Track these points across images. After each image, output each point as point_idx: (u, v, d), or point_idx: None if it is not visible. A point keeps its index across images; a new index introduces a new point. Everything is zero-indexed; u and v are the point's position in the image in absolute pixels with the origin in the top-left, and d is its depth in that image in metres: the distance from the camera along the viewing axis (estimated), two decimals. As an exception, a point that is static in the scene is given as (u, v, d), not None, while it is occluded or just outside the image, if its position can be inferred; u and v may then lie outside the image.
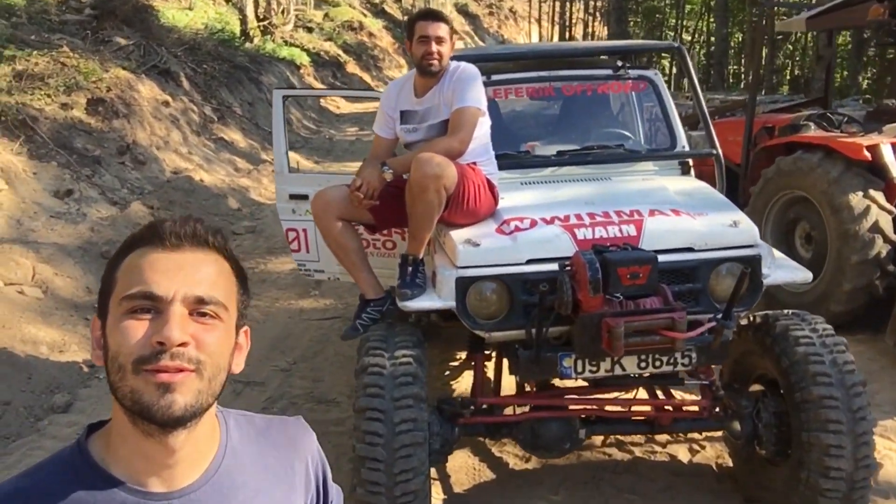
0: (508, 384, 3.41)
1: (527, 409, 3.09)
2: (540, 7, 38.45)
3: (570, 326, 2.78)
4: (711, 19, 34.84)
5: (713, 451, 3.65)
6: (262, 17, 23.46)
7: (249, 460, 1.05)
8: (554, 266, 2.80)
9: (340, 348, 5.22)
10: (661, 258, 2.74)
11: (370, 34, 32.82)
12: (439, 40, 3.15)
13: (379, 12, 39.28)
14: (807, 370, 2.77)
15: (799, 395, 2.78)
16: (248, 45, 19.47)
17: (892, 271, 4.78)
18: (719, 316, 2.73)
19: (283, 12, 24.96)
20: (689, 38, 36.95)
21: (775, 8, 8.26)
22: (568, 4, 35.68)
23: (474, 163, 3.16)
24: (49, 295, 5.69)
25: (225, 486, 1.00)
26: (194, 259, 0.97)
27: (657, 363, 2.76)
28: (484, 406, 3.07)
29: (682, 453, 3.66)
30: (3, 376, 4.51)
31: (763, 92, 21.10)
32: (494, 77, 3.80)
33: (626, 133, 4.02)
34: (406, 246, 3.16)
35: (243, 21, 21.66)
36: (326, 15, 32.25)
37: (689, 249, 2.91)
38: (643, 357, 2.74)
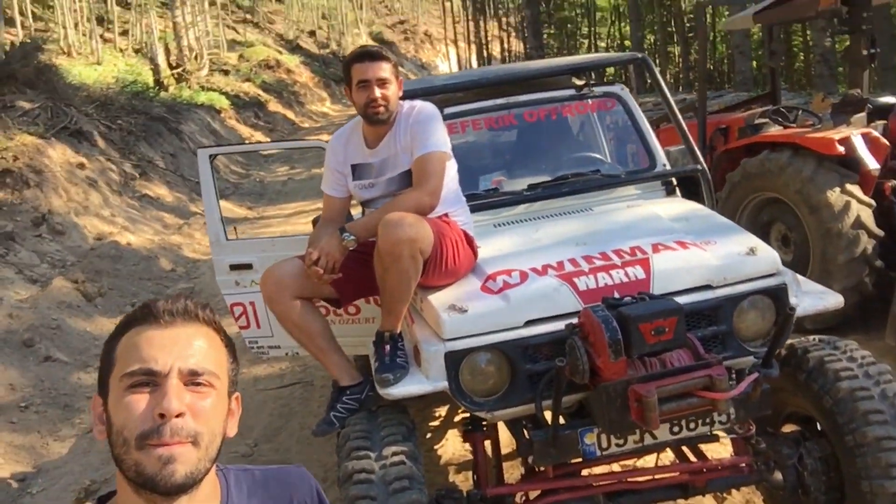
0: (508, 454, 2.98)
1: (541, 492, 2.64)
2: (455, 28, 38.49)
3: (585, 393, 2.37)
4: (624, 24, 35.55)
5: (741, 497, 3.29)
6: (174, 64, 22.73)
7: None
8: (558, 325, 2.39)
9: (305, 420, 4.71)
10: (680, 301, 2.36)
11: (288, 70, 32.28)
12: (382, 82, 2.71)
13: (294, 48, 38.77)
14: (856, 409, 2.43)
15: (851, 439, 2.43)
16: (163, 94, 18.73)
17: (880, 266, 4.56)
18: (758, 363, 2.36)
19: (196, 57, 24.27)
20: (604, 44, 37.52)
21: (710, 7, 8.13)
22: (482, 23, 35.77)
23: (446, 214, 2.73)
24: (-39, 399, 5.00)
25: None
26: (186, 334, 1.05)
27: (692, 426, 2.37)
28: (491, 497, 2.60)
29: (707, 502, 3.29)
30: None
31: (680, 90, 21.37)
32: (448, 110, 3.39)
33: (597, 156, 3.67)
34: (379, 319, 2.70)
35: (156, 70, 20.89)
36: (241, 56, 31.58)
37: (707, 287, 2.54)
38: (676, 422, 2.35)
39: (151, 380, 1.00)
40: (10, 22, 23.46)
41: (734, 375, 2.52)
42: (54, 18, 25.15)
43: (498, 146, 3.72)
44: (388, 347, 2.55)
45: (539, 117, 3.51)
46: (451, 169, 2.80)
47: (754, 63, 23.91)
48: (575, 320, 2.37)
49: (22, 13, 25.66)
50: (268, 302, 2.69)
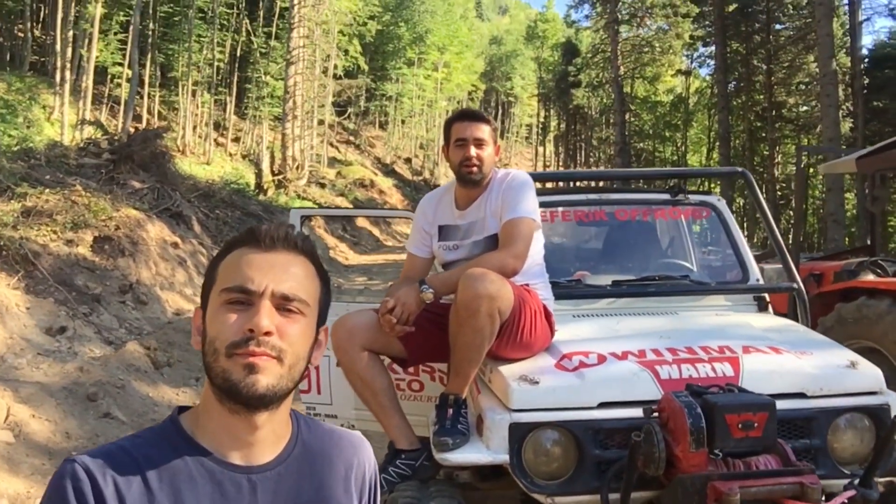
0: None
1: None
2: (545, 170, 39.72)
3: (659, 491, 2.17)
4: (713, 185, 35.71)
5: None
6: (277, 171, 24.04)
7: (317, 455, 1.14)
8: (635, 411, 2.23)
9: None
10: (770, 404, 2.17)
11: (380, 191, 33.66)
12: (479, 143, 2.73)
13: (389, 172, 40.61)
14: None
15: None
16: (262, 196, 19.71)
17: None
18: (856, 482, 2.12)
19: (297, 168, 25.61)
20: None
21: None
22: (572, 168, 36.84)
23: (527, 285, 2.66)
24: (21, 439, 5.02)
25: (295, 471, 1.10)
26: (284, 259, 1.09)
27: (775, 540, 2.11)
28: None
29: None
30: (-52, 539, 3.79)
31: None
32: (541, 198, 3.39)
33: (685, 263, 3.56)
34: (445, 385, 2.59)
35: (259, 175, 22.14)
36: (339, 173, 33.23)
37: (801, 395, 2.35)
38: (758, 532, 2.10)
39: (246, 298, 1.05)
40: (137, 118, 25.58)
41: (824, 497, 2.26)
42: (177, 119, 27.31)
43: (585, 240, 3.67)
44: (450, 411, 2.42)
45: (630, 217, 3.47)
46: (538, 241, 2.75)
47: (847, 238, 23.44)
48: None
49: (150, 112, 28.00)
50: (336, 350, 2.63)
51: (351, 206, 27.20)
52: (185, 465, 1.03)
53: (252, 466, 1.07)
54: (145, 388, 6.82)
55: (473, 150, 2.71)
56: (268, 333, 1.02)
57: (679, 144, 40.08)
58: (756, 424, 2.03)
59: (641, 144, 39.38)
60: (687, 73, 38.47)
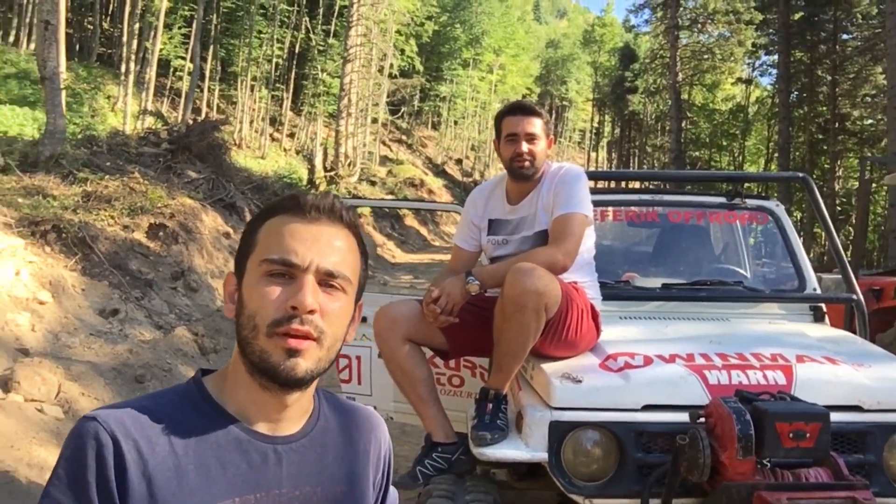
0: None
1: None
2: (595, 184, 39.33)
3: (702, 499, 2.09)
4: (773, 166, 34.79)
5: None
6: (329, 168, 24.31)
7: (339, 429, 1.13)
8: (681, 415, 2.16)
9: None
10: (824, 416, 2.07)
11: (430, 191, 33.75)
12: (530, 137, 2.68)
13: (440, 172, 40.69)
14: None
15: None
16: (313, 192, 19.92)
17: None
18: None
19: (349, 165, 25.85)
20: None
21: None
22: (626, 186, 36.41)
23: (575, 282, 2.60)
24: (70, 415, 5.16)
25: (318, 443, 1.09)
26: (329, 233, 1.04)
27: (825, 558, 2.02)
28: None
29: None
30: (-3, 505, 3.90)
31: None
32: (593, 197, 3.33)
33: (738, 269, 3.45)
34: (486, 380, 2.55)
35: (311, 170, 22.44)
36: (390, 171, 33.45)
37: (857, 408, 2.24)
38: (806, 549, 2.01)
39: (288, 271, 1.00)
40: (196, 110, 26.15)
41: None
42: (234, 113, 27.84)
43: (635, 241, 3.60)
44: (490, 406, 2.38)
45: (683, 219, 3.38)
46: (589, 238, 2.69)
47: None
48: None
49: (209, 105, 28.59)
50: (377, 338, 2.61)
51: (400, 204, 27.30)
52: (211, 430, 1.00)
53: (278, 437, 1.05)
54: (191, 373, 6.93)
55: (525, 146, 2.66)
56: (311, 312, 0.99)
57: (736, 154, 39.19)
58: (808, 435, 1.95)
59: (697, 153, 38.62)
60: (748, 82, 37.61)
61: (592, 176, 3.47)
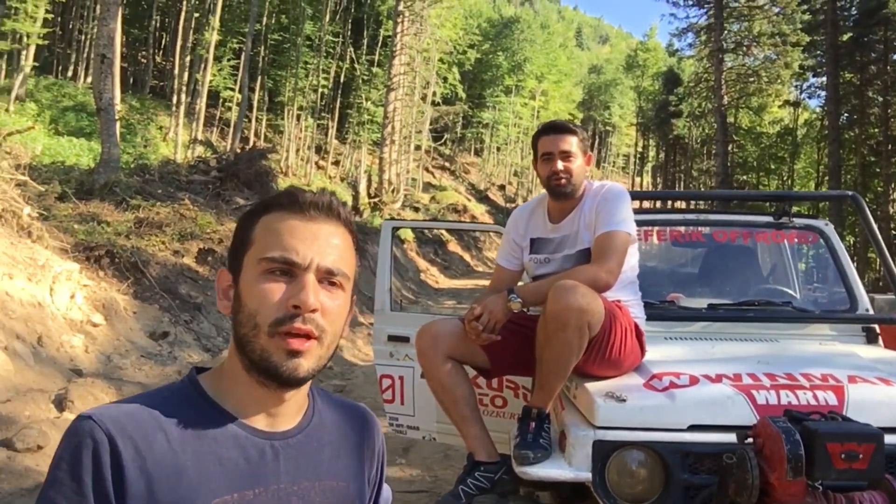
0: None
1: None
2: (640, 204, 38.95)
3: (751, 522, 2.04)
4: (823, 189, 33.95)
5: None
6: (373, 194, 24.58)
7: (333, 425, 1.14)
8: (728, 436, 2.12)
9: (423, 529, 4.47)
10: (879, 437, 2.01)
11: (473, 217, 33.86)
12: (566, 155, 2.68)
13: (483, 198, 40.82)
14: None
15: None
16: (357, 218, 20.17)
17: None
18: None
19: (393, 191, 26.11)
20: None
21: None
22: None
23: (619, 301, 2.58)
24: (120, 436, 5.28)
25: (315, 439, 1.09)
26: (327, 231, 1.04)
27: (880, 587, 1.95)
28: None
29: None
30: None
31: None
32: (635, 218, 3.31)
33: (786, 289, 3.39)
34: (529, 399, 2.54)
35: (355, 197, 22.71)
36: (433, 197, 33.68)
37: (913, 431, 2.17)
38: (861, 576, 1.94)
39: (289, 269, 1.00)
40: (244, 139, 26.77)
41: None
42: (281, 142, 28.43)
43: (680, 261, 3.55)
44: (533, 425, 2.36)
45: (729, 238, 3.33)
46: (633, 256, 2.68)
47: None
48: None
49: (256, 135, 29.26)
50: (419, 356, 2.62)
51: (443, 230, 27.44)
52: (208, 427, 1.00)
53: (275, 433, 1.04)
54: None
55: (560, 164, 2.66)
56: (313, 311, 0.99)
57: (785, 178, 38.46)
58: (861, 456, 1.89)
59: (744, 177, 38.02)
60: (795, 104, 36.98)
61: (635, 197, 3.45)
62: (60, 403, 5.09)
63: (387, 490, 1.26)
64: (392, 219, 3.78)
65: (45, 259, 6.76)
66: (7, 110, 20.59)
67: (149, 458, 0.94)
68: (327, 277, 1.02)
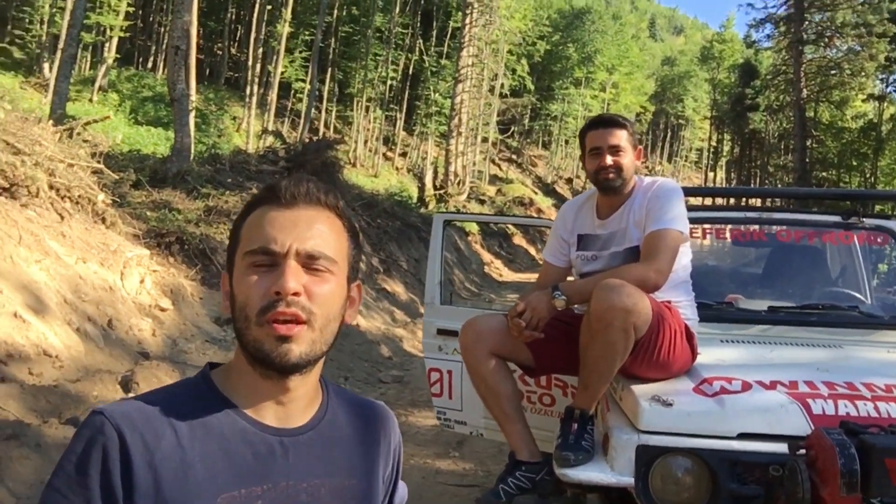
0: None
1: None
2: (714, 201, 37.81)
3: (801, 537, 1.94)
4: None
5: None
6: (439, 186, 24.65)
7: (346, 422, 1.13)
8: (779, 446, 2.02)
9: (475, 523, 4.45)
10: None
11: (539, 210, 33.57)
12: (615, 150, 2.60)
13: (550, 191, 40.43)
14: None
15: None
16: (422, 209, 20.27)
17: None
18: None
19: (458, 183, 26.12)
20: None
21: None
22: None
23: (669, 301, 2.50)
24: (182, 418, 5.44)
25: (326, 436, 1.08)
26: (307, 216, 1.04)
27: None
28: None
29: None
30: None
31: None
32: (693, 214, 3.20)
33: (855, 293, 3.22)
34: (572, 399, 2.48)
35: (421, 189, 22.83)
36: (499, 190, 33.54)
37: (985, 448, 2.02)
38: None
39: (271, 259, 1.01)
40: (314, 130, 27.22)
41: None
42: (350, 133, 28.80)
43: (741, 260, 3.42)
44: (575, 426, 2.31)
45: (794, 239, 3.18)
46: (685, 255, 2.58)
47: None
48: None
49: (326, 126, 29.72)
50: (463, 351, 2.60)
51: (509, 224, 27.26)
52: (217, 422, 1.01)
53: (284, 429, 1.04)
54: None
55: (609, 159, 2.58)
56: (296, 294, 0.99)
57: (868, 175, 36.75)
58: (923, 474, 1.77)
59: (824, 174, 36.51)
60: (881, 98, 35.24)
61: (690, 193, 3.34)
62: (126, 385, 5.27)
63: (403, 488, 1.25)
64: (442, 212, 3.76)
65: (117, 244, 7.02)
66: (91, 100, 21.52)
67: (157, 453, 0.95)
68: (309, 263, 1.02)
